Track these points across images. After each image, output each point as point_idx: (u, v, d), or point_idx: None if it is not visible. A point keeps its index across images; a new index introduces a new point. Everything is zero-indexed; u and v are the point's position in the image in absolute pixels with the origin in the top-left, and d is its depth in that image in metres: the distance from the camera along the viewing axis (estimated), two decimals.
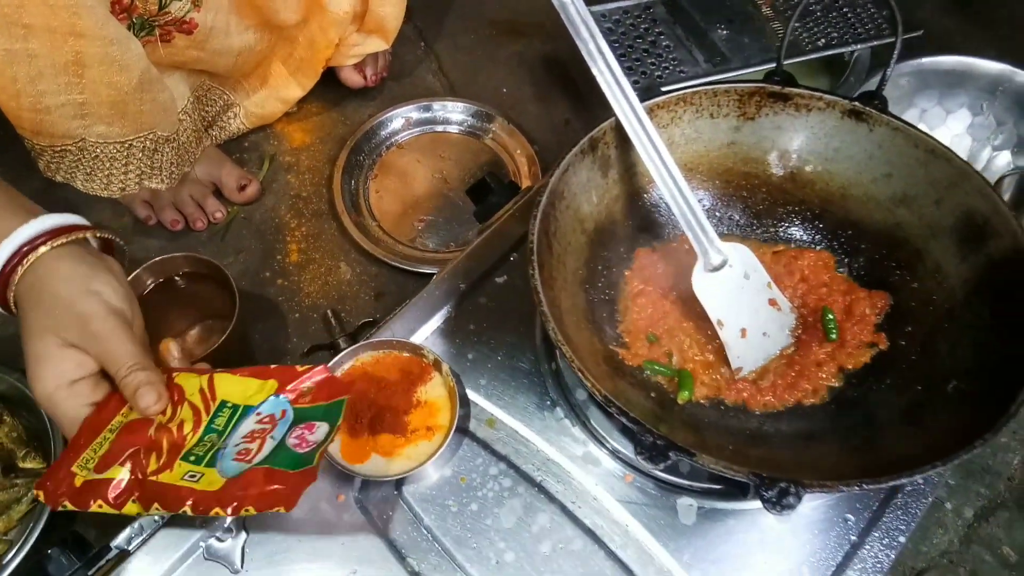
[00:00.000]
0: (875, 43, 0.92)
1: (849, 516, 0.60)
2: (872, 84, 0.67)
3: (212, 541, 0.59)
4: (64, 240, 0.55)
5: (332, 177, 0.98)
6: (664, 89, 0.65)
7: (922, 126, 0.99)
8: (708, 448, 0.48)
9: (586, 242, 0.64)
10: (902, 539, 0.59)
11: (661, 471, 0.60)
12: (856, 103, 0.63)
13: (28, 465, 0.80)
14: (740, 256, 0.63)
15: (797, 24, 0.94)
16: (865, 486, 0.45)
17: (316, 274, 0.93)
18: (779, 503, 0.44)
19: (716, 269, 0.62)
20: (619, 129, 0.62)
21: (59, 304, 0.53)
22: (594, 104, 1.04)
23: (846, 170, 0.66)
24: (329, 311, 0.87)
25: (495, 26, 1.15)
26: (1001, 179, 0.92)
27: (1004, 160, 0.98)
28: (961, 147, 0.99)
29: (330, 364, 0.62)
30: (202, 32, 0.82)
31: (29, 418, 0.81)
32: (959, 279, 0.60)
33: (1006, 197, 0.90)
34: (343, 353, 0.63)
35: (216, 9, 0.81)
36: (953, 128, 1.00)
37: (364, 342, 0.64)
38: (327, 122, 1.05)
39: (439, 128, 1.03)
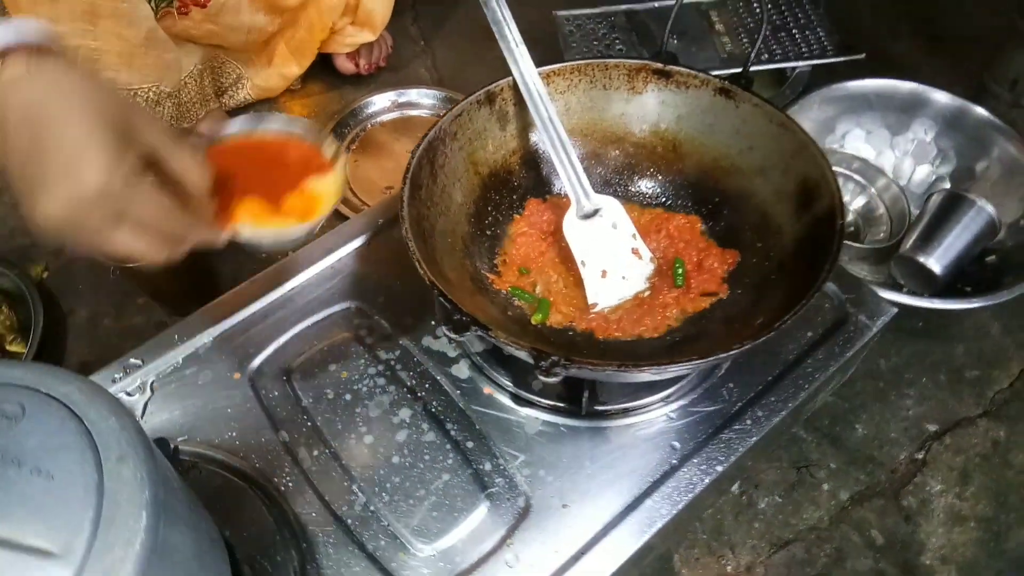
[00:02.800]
0: (811, 62, 1.00)
1: (675, 443, 0.66)
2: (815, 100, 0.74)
3: (122, 395, 0.69)
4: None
5: None
6: None
7: (867, 146, 1.05)
8: (508, 330, 0.56)
9: (479, 183, 0.74)
10: (719, 468, 0.65)
11: (510, 385, 0.68)
12: (725, 82, 0.71)
13: (12, 349, 0.92)
14: (610, 208, 0.71)
15: (741, 40, 1.03)
16: (624, 368, 0.52)
17: None
18: (549, 372, 0.52)
19: (588, 217, 0.70)
20: (516, 88, 0.72)
21: (89, 90, 0.46)
22: None
23: (718, 143, 0.73)
24: (290, 253, 0.98)
25: (487, 32, 1.26)
26: (930, 195, 0.97)
27: (943, 183, 1.03)
28: (903, 167, 1.04)
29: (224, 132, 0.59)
30: (215, 6, 0.96)
31: (20, 311, 0.94)
32: (792, 237, 0.66)
33: (932, 211, 0.94)
34: (240, 119, 0.60)
35: None
36: (896, 149, 1.05)
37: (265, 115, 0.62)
38: (324, 101, 1.19)
39: (415, 112, 1.15)
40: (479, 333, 0.55)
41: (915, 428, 0.88)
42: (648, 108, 0.75)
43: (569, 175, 0.70)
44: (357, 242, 0.79)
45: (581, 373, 0.55)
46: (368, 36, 1.12)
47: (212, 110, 1.08)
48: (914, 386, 0.91)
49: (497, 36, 0.70)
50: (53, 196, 0.45)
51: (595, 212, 0.70)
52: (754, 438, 0.66)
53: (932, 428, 0.88)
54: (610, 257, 0.70)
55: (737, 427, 0.67)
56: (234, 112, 1.14)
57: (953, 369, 0.92)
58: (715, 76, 0.71)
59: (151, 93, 0.96)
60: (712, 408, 0.68)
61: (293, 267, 0.78)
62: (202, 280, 0.93)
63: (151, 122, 0.49)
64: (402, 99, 1.16)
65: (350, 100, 1.17)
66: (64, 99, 0.46)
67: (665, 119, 0.75)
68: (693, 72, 0.72)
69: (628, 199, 0.77)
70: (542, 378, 0.52)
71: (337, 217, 1.04)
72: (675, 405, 0.68)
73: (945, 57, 1.21)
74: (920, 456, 0.86)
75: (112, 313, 0.96)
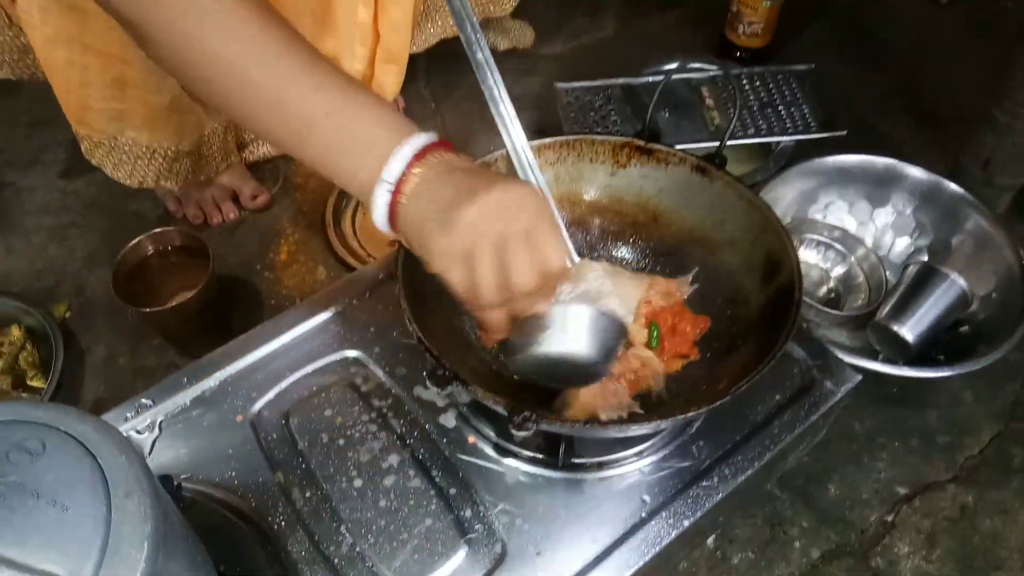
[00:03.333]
0: (794, 137, 1.06)
1: (646, 497, 0.70)
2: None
3: (132, 433, 0.75)
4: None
5: (328, 199, 1.17)
6: None
7: (849, 217, 1.11)
8: (489, 386, 0.61)
9: None
10: (686, 523, 0.69)
11: (493, 435, 0.73)
12: (701, 160, 0.76)
13: (33, 384, 0.98)
14: (595, 271, 0.76)
15: (729, 114, 1.09)
16: (589, 426, 0.57)
17: (297, 272, 1.11)
18: (521, 426, 0.57)
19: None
20: (508, 159, 0.78)
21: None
22: None
23: (694, 216, 0.79)
24: (298, 299, 1.05)
25: None
26: (907, 267, 1.02)
27: (921, 255, 1.08)
28: (883, 239, 1.09)
29: None
30: None
31: (42, 348, 1.00)
32: (757, 305, 0.71)
33: (907, 282, 0.99)
34: None
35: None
36: (877, 221, 1.10)
37: None
38: None
39: None
40: (459, 387, 0.60)
41: (886, 490, 0.91)
42: (631, 181, 0.81)
43: None
44: (359, 296, 0.85)
45: (552, 428, 0.59)
46: None
47: (232, 164, 1.15)
48: (887, 450, 0.94)
49: (493, 113, 0.76)
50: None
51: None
52: (720, 495, 0.70)
53: (902, 491, 0.91)
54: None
55: (705, 483, 0.71)
56: (253, 166, 1.21)
57: (925, 434, 0.96)
58: (692, 155, 0.77)
59: (168, 152, 1.02)
60: (682, 464, 0.72)
61: (297, 316, 0.83)
62: (213, 324, 0.99)
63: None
64: None
65: None
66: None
67: (646, 191, 0.81)
68: (672, 150, 0.78)
69: (612, 263, 0.82)
70: (514, 432, 0.57)
71: (344, 268, 1.10)
72: (648, 460, 0.72)
73: (927, 136, 1.26)
74: (890, 518, 0.89)
75: (127, 353, 1.02)
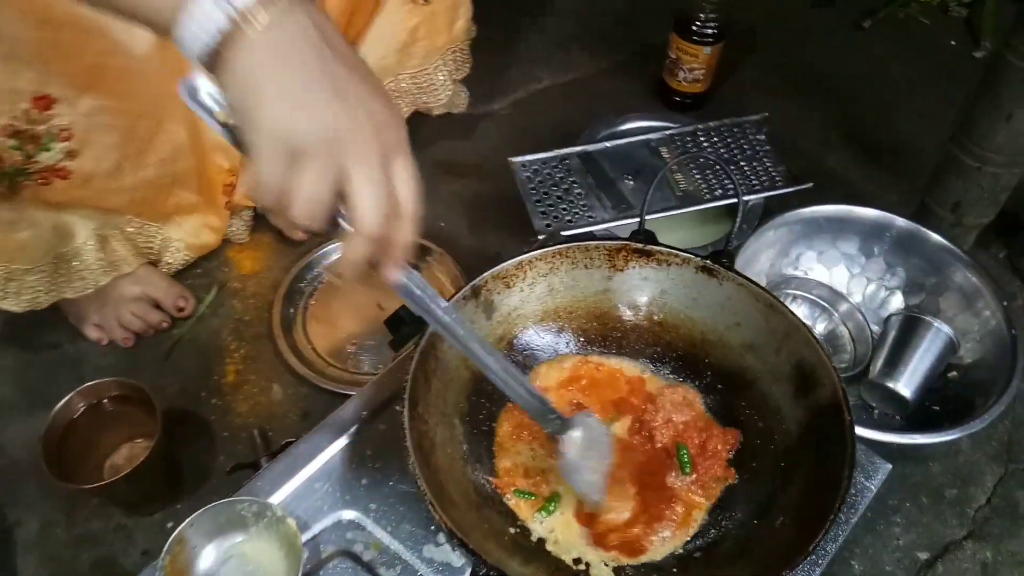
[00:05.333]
0: (762, 195, 1.03)
1: None
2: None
3: None
4: None
5: (273, 303, 1.06)
6: (564, 234, 0.74)
7: (820, 267, 1.09)
8: None
9: (470, 377, 0.71)
10: None
11: None
12: (707, 260, 0.71)
13: None
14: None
15: (694, 175, 1.05)
16: None
17: (249, 394, 0.99)
18: None
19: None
20: (502, 278, 0.71)
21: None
22: (521, 236, 1.13)
23: (703, 317, 0.73)
24: (256, 431, 0.93)
25: (438, 165, 1.26)
26: (889, 317, 1.00)
27: (898, 300, 1.07)
28: (858, 287, 1.08)
29: None
30: (79, 177, 0.85)
31: None
32: (794, 421, 0.66)
33: (892, 334, 0.97)
34: None
35: (100, 158, 0.85)
36: (851, 269, 1.08)
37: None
38: (276, 251, 1.14)
39: None
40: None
41: (907, 558, 0.89)
42: (631, 284, 0.75)
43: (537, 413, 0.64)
44: (342, 441, 0.75)
45: None
46: None
47: (131, 272, 0.99)
48: (899, 512, 0.92)
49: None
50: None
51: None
52: None
53: (923, 556, 0.89)
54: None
55: None
56: (181, 277, 1.09)
57: (932, 489, 0.94)
58: (695, 254, 0.72)
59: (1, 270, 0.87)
60: None
61: (274, 478, 0.73)
62: (163, 477, 0.87)
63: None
64: None
65: (304, 250, 1.13)
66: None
67: (648, 293, 0.75)
68: (674, 251, 0.72)
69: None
70: None
71: (300, 382, 0.99)
72: None
73: (882, 172, 1.27)
74: None
75: (63, 521, 0.88)
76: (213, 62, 0.47)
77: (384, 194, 0.50)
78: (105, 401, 0.84)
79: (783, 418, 0.67)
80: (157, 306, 1.04)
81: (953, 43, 1.50)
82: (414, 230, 0.54)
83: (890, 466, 0.74)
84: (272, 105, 0.47)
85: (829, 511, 0.55)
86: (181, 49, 0.48)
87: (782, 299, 1.03)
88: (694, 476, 0.68)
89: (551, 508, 0.67)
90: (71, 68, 0.78)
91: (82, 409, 0.83)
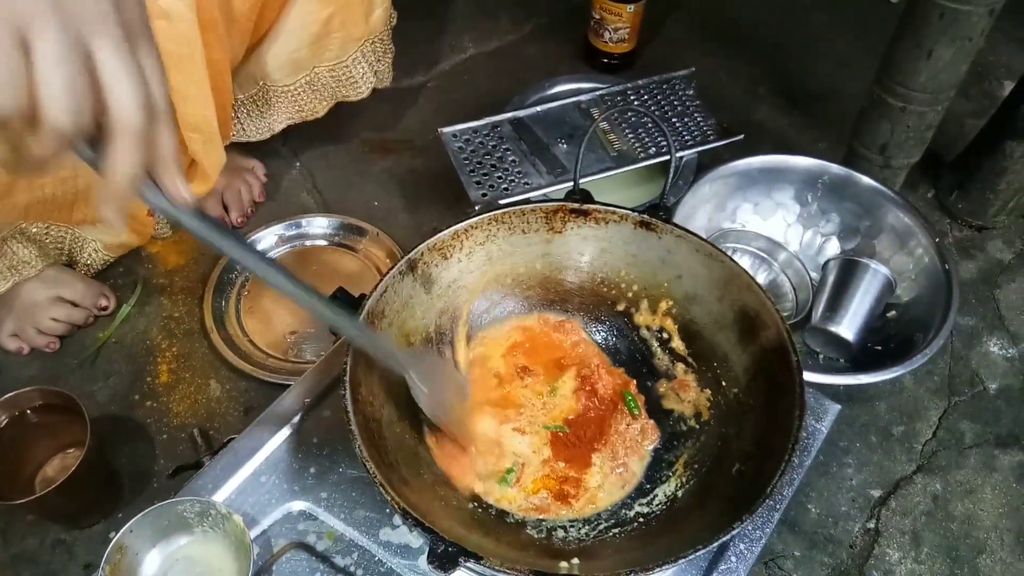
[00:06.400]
0: (695, 150, 1.02)
1: None
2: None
3: None
4: None
5: (204, 296, 1.02)
6: (501, 203, 0.72)
7: (756, 218, 1.09)
8: (499, 553, 0.52)
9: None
10: None
11: None
12: (644, 215, 0.70)
13: None
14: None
15: (627, 135, 1.04)
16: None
17: (186, 393, 0.95)
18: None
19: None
20: (438, 249, 0.69)
21: None
22: (458, 209, 1.11)
23: (645, 273, 0.72)
24: (196, 430, 0.89)
25: (366, 144, 1.22)
26: (827, 263, 1.01)
27: (834, 245, 1.08)
28: (795, 235, 1.09)
29: None
30: None
31: None
32: (741, 367, 0.66)
33: (831, 279, 0.99)
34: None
35: None
36: (786, 218, 1.09)
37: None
38: (202, 244, 1.09)
39: (309, 243, 1.09)
40: (467, 561, 0.50)
41: (861, 497, 0.90)
42: (571, 245, 0.74)
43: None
44: (285, 432, 0.72)
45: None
46: (199, 187, 0.95)
47: (41, 270, 0.93)
48: (850, 453, 0.93)
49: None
50: None
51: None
52: (743, 571, 0.65)
53: (876, 494, 0.91)
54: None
55: (724, 567, 0.65)
56: (102, 276, 1.03)
57: (880, 428, 0.96)
58: (633, 210, 0.70)
59: None
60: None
61: (216, 475, 0.69)
62: (99, 487, 0.83)
63: None
64: (291, 232, 1.09)
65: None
66: None
67: (588, 253, 0.74)
68: (611, 208, 0.71)
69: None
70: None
71: (239, 376, 0.95)
72: None
73: (809, 120, 1.28)
74: (872, 525, 0.88)
75: None
76: None
77: (139, 80, 0.41)
78: (29, 412, 0.79)
79: (731, 365, 0.67)
80: (76, 308, 0.99)
81: None
82: (172, 130, 0.45)
83: (839, 407, 0.75)
84: None
85: (784, 453, 0.55)
86: None
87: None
88: (644, 420, 0.67)
89: (508, 480, 0.66)
90: None
91: (5, 421, 0.77)
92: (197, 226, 0.47)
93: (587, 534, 0.63)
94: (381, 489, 0.53)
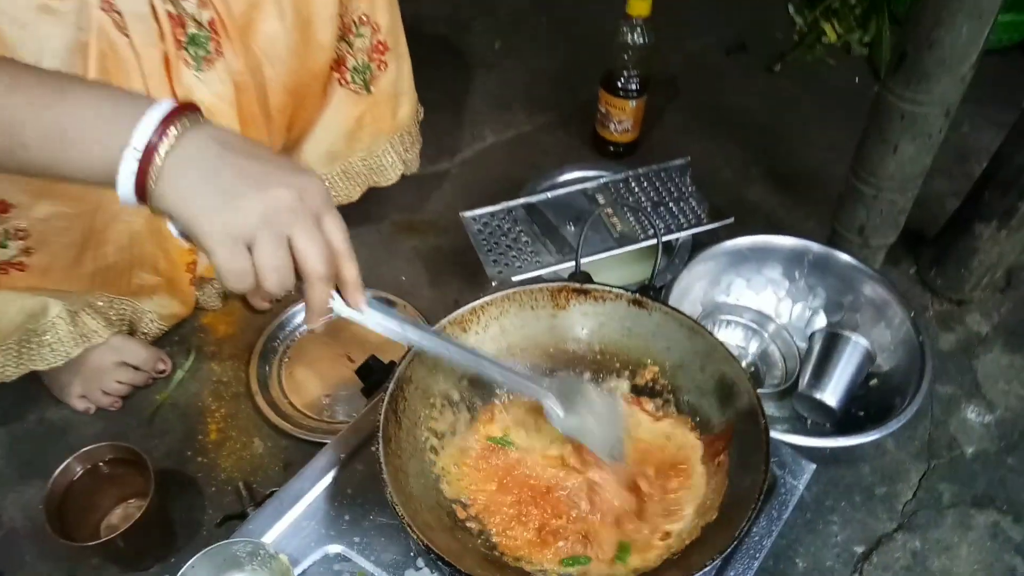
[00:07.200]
0: (690, 232, 1.14)
1: None
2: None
3: None
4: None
5: (249, 363, 1.14)
6: (514, 279, 0.83)
7: (749, 292, 1.19)
8: None
9: (437, 414, 0.80)
10: None
11: None
12: (636, 294, 0.81)
13: None
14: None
15: (628, 218, 1.16)
16: None
17: (232, 450, 1.06)
18: None
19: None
20: (459, 323, 0.80)
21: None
22: (477, 286, 1.23)
23: (639, 344, 0.83)
24: (241, 483, 1.00)
25: (395, 225, 1.35)
26: (812, 334, 1.11)
27: (821, 318, 1.18)
28: (786, 308, 1.19)
29: None
30: (37, 270, 0.90)
31: None
32: (720, 430, 0.76)
33: (816, 350, 1.08)
34: None
35: (57, 255, 0.89)
36: (777, 293, 1.20)
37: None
38: (248, 315, 1.22)
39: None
40: None
41: (845, 552, 0.98)
42: (573, 320, 0.85)
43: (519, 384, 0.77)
44: (324, 482, 0.82)
45: None
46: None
47: (100, 343, 1.03)
48: (835, 512, 1.01)
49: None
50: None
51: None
52: None
53: (859, 549, 0.98)
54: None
55: None
56: (157, 342, 1.15)
57: (864, 488, 1.04)
58: (627, 290, 0.81)
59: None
60: None
61: (262, 522, 0.79)
62: (156, 533, 0.93)
63: None
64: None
65: (275, 312, 1.21)
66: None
67: (589, 327, 0.85)
68: (607, 288, 0.82)
69: None
70: None
71: (280, 435, 1.06)
72: None
73: (799, 199, 1.40)
74: None
75: None
76: (143, 198, 0.57)
77: (322, 243, 0.60)
78: (101, 464, 0.90)
79: (712, 427, 0.77)
80: (137, 371, 1.11)
81: (857, 80, 1.66)
82: (354, 265, 0.64)
83: (815, 466, 0.84)
84: (203, 212, 0.57)
85: (752, 502, 0.64)
86: (123, 202, 0.58)
87: (716, 325, 1.14)
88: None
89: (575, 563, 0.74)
90: (26, 178, 0.80)
91: (79, 473, 0.89)
92: (379, 319, 0.68)
93: None
94: (408, 529, 0.63)
